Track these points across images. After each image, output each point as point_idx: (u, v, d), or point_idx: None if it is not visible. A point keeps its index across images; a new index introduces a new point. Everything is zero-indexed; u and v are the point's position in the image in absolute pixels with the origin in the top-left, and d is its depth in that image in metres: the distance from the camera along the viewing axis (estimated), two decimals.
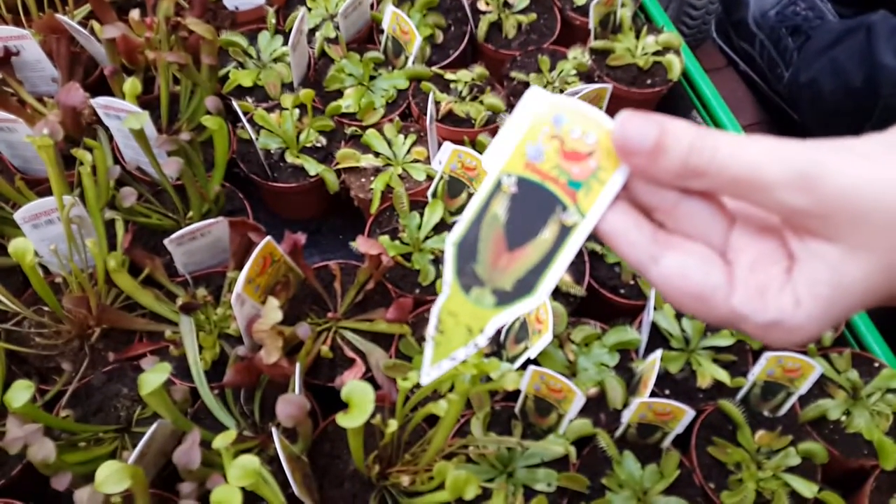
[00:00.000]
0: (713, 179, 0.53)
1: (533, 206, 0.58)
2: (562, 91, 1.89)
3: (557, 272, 0.59)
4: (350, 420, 1.09)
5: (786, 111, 2.29)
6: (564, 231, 0.58)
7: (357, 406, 1.09)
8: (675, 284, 0.57)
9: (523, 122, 0.58)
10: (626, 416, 1.45)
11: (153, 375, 1.22)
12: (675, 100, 2.19)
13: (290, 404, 1.24)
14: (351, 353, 1.54)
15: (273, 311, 1.34)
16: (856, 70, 1.93)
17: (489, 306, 0.61)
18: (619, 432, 1.48)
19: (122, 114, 1.57)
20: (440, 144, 1.75)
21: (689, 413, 1.38)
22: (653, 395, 1.50)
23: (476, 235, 0.60)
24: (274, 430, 1.24)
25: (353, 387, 1.10)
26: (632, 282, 1.69)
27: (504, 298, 0.60)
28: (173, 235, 1.47)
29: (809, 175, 0.51)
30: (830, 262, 0.53)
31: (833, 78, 1.99)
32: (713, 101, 2.08)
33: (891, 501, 1.47)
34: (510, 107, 1.93)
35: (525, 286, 0.60)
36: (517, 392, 1.47)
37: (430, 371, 0.65)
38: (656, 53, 2.01)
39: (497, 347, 1.59)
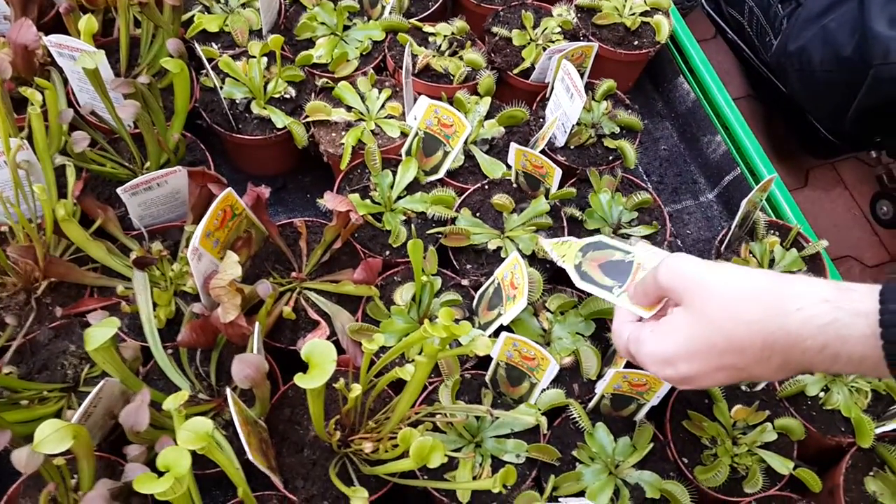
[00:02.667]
0: (659, 291, 1.02)
1: (622, 268, 1.14)
2: (545, 49, 1.81)
3: (600, 293, 1.14)
4: (310, 380, 1.01)
5: (773, 83, 2.23)
6: (616, 289, 1.13)
7: (317, 366, 1.02)
8: (618, 315, 1.12)
9: (652, 254, 1.14)
10: (601, 387, 1.39)
11: (100, 330, 1.14)
12: (663, 64, 2.12)
13: (247, 364, 1.16)
14: (315, 315, 1.46)
15: (232, 265, 1.25)
16: (847, 39, 1.87)
17: (573, 267, 1.19)
18: (592, 403, 1.43)
19: (76, 53, 1.46)
20: (416, 100, 1.67)
21: (665, 385, 1.33)
22: (628, 366, 1.44)
23: (595, 252, 1.19)
24: (229, 391, 1.16)
25: (314, 346, 1.03)
26: None
27: (580, 273, 1.18)
28: (127, 184, 1.38)
29: (669, 269, 0.97)
30: (675, 314, 0.96)
31: (823, 46, 1.93)
32: (701, 67, 2.01)
33: (866, 479, 1.44)
34: (491, 63, 1.84)
35: (587, 279, 1.17)
36: (488, 361, 1.41)
37: (550, 246, 1.28)
38: (644, 14, 1.94)
39: (469, 314, 1.53)
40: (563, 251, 1.23)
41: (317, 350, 1.02)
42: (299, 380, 1.01)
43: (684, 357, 0.93)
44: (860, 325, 0.79)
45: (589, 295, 1.54)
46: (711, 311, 0.90)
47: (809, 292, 0.84)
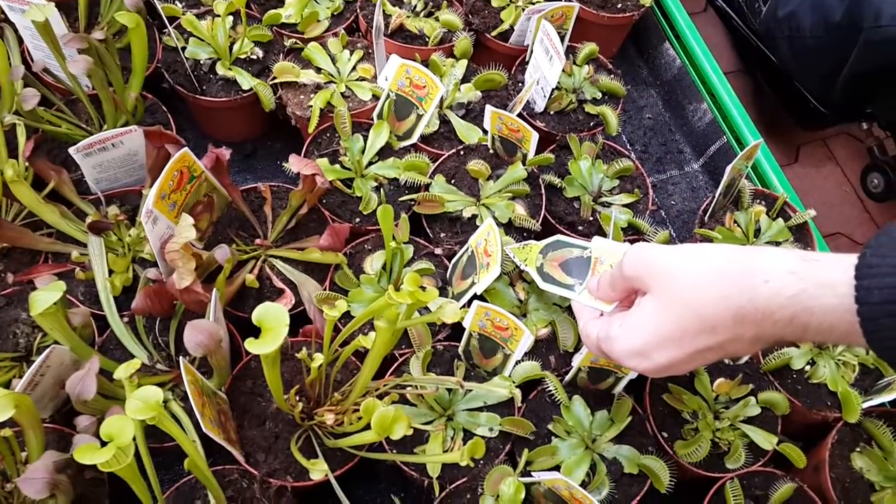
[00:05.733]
0: (626, 283, 0.99)
1: (581, 265, 1.16)
2: (524, 10, 1.74)
3: (562, 292, 1.15)
4: (261, 345, 0.95)
5: (763, 52, 2.17)
6: (577, 286, 1.14)
7: (270, 330, 0.96)
8: (582, 314, 1.10)
9: (607, 246, 1.15)
10: (577, 360, 1.33)
11: (46, 294, 1.08)
12: (648, 30, 2.05)
13: (199, 331, 1.10)
14: (280, 284, 1.40)
15: (186, 228, 1.19)
16: (837, 3, 1.80)
17: (535, 269, 1.22)
18: (569, 376, 1.37)
19: (26, 7, 1.39)
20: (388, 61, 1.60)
21: None
22: None
23: (555, 251, 1.21)
24: (182, 359, 1.10)
25: (266, 309, 0.96)
26: (591, 218, 1.57)
27: (542, 275, 1.20)
28: (80, 143, 1.31)
29: (633, 259, 0.95)
30: (643, 303, 0.93)
31: (813, 12, 1.87)
32: (687, 33, 1.95)
33: (853, 455, 1.39)
34: (468, 25, 1.77)
35: (549, 279, 1.18)
36: (462, 332, 1.35)
37: (512, 252, 1.30)
38: None
39: (443, 283, 1.47)
40: (525, 255, 1.26)
41: (269, 314, 0.96)
42: (250, 345, 0.95)
43: (656, 345, 0.90)
44: (826, 295, 0.78)
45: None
46: (678, 292, 0.88)
47: (775, 264, 0.81)
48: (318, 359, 1.15)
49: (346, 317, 1.39)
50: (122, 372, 1.06)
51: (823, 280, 0.78)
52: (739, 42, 2.33)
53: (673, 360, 0.91)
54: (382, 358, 1.11)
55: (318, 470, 1.14)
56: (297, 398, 1.25)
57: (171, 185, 1.25)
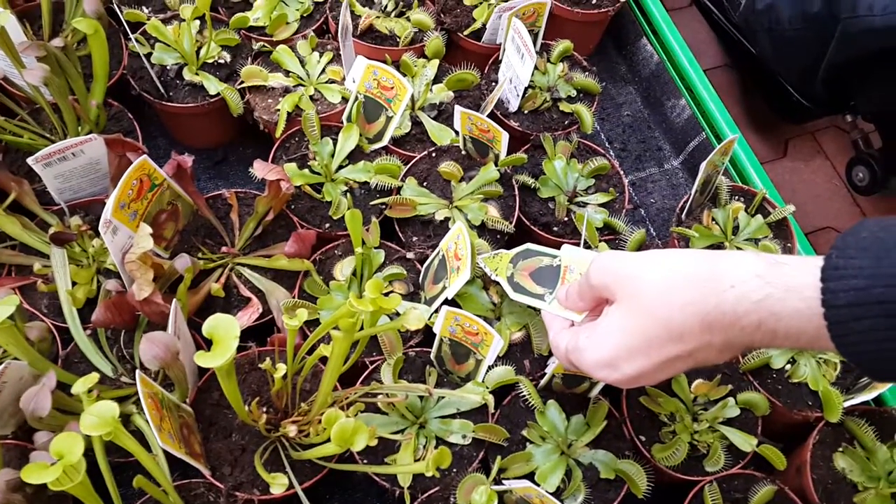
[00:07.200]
0: (593, 292, 0.97)
1: (551, 274, 1.13)
2: (497, 7, 1.71)
3: (533, 302, 1.12)
4: (212, 359, 0.93)
5: (744, 46, 2.15)
6: (547, 296, 1.11)
7: (220, 342, 0.93)
8: (552, 325, 1.07)
9: (577, 255, 1.13)
10: (552, 366, 1.31)
11: None
12: (626, 26, 2.02)
13: (155, 343, 1.08)
14: (246, 292, 1.37)
15: (144, 238, 1.16)
16: None
17: (506, 279, 1.19)
18: (543, 381, 1.34)
19: None
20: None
21: None
22: None
23: (525, 260, 1.19)
24: (138, 372, 1.08)
25: (216, 321, 0.94)
26: (565, 218, 1.54)
27: (513, 285, 1.17)
28: (38, 153, 1.28)
29: (599, 267, 0.93)
30: (610, 312, 0.90)
31: (791, 3, 1.84)
32: (664, 28, 1.92)
33: (835, 455, 1.36)
34: (440, 24, 1.74)
35: (520, 289, 1.15)
36: (434, 337, 1.32)
37: (483, 262, 1.28)
38: None
39: (415, 288, 1.44)
40: (496, 264, 1.23)
41: (219, 325, 0.93)
42: (200, 358, 0.92)
43: (625, 356, 0.88)
44: (792, 299, 0.75)
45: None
46: (645, 300, 0.86)
47: (742, 269, 0.79)
48: (282, 369, 1.12)
49: (318, 324, 1.37)
50: (80, 387, 1.04)
51: (790, 283, 0.76)
52: (721, 37, 2.30)
53: (642, 371, 0.88)
54: (341, 368, 1.08)
55: (279, 484, 1.12)
56: (264, 409, 1.23)
57: (131, 193, 1.22)
